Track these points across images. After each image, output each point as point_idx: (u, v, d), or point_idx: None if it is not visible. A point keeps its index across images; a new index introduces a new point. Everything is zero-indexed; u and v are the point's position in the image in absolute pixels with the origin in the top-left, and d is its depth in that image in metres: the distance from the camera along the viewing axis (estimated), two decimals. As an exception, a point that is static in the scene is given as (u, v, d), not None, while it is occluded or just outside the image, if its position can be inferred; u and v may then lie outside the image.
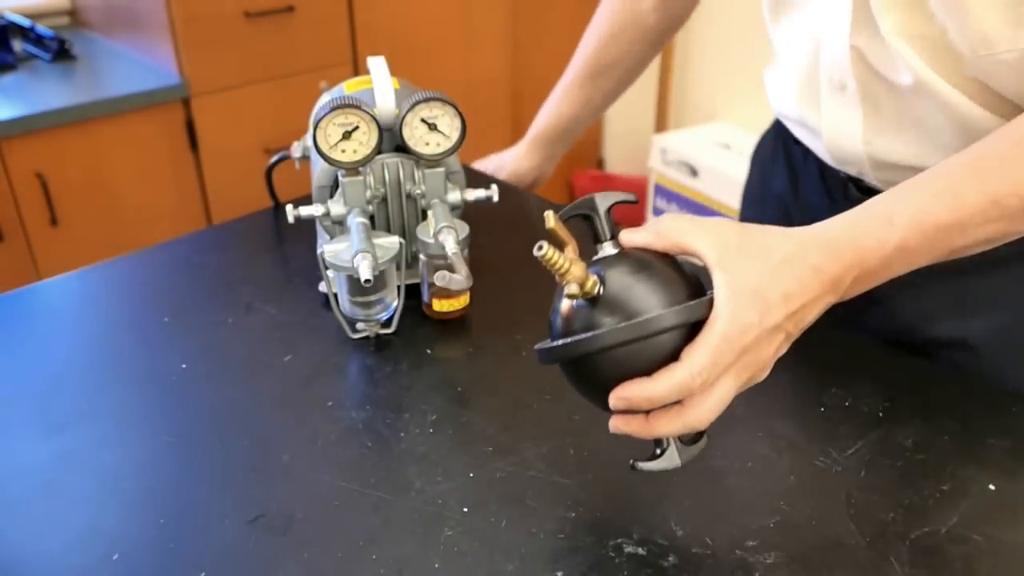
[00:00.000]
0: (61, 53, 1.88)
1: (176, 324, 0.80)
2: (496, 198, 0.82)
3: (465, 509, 0.59)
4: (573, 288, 0.50)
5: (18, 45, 1.90)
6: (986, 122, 0.65)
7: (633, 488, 0.61)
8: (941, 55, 0.63)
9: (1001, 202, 0.53)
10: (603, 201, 0.54)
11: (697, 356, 0.48)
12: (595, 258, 0.54)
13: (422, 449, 0.65)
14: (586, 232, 0.55)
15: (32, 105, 1.66)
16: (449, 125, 0.77)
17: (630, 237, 0.53)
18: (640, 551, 0.56)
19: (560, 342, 0.52)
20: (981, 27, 0.59)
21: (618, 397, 0.50)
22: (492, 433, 0.66)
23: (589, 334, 0.50)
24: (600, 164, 2.94)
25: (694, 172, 2.44)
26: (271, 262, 0.91)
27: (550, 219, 0.52)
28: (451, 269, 0.70)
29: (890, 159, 0.73)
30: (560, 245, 0.51)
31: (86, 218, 1.78)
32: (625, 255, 0.53)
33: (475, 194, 0.81)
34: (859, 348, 0.76)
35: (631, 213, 2.73)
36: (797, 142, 0.86)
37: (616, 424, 0.53)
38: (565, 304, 0.53)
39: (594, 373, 0.52)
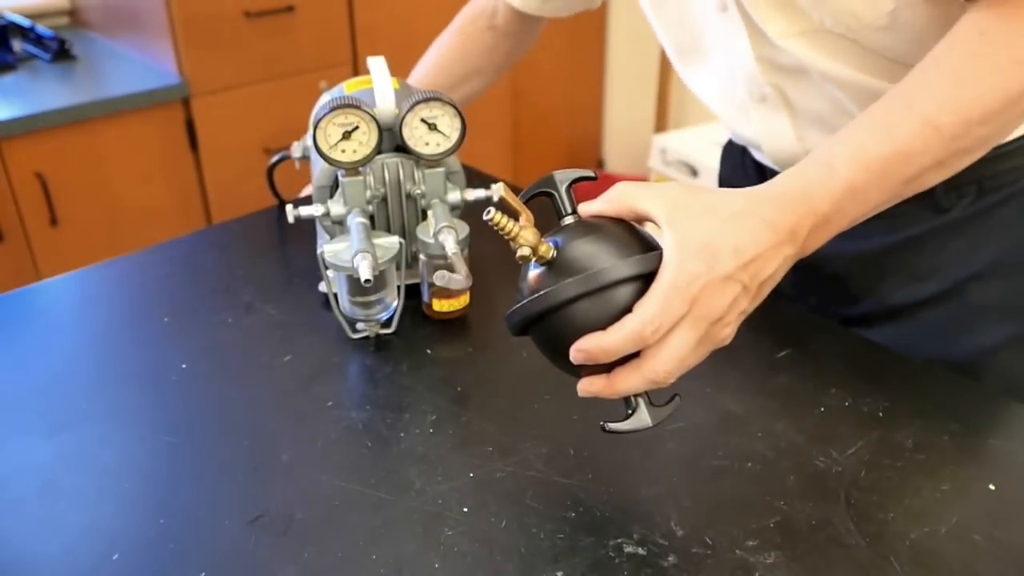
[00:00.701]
0: (61, 53, 1.88)
1: (176, 324, 0.80)
2: (496, 198, 0.82)
3: (465, 509, 0.59)
4: (525, 251, 0.52)
5: (18, 45, 1.90)
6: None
7: (633, 488, 0.61)
8: (828, 43, 0.68)
9: (934, 122, 0.54)
10: (562, 178, 0.57)
11: (647, 305, 0.50)
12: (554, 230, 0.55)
13: (422, 449, 0.65)
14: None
15: (32, 105, 1.66)
16: (449, 125, 0.77)
17: (586, 207, 0.56)
18: (640, 551, 0.56)
19: (518, 305, 0.53)
20: (847, 7, 0.64)
21: (576, 349, 0.51)
22: (492, 433, 0.66)
23: (543, 291, 0.51)
24: (600, 164, 2.94)
25: (694, 172, 2.45)
26: (271, 262, 0.91)
27: (500, 189, 0.54)
28: (451, 269, 0.70)
29: None
30: (513, 215, 0.53)
31: (86, 218, 1.78)
32: (581, 222, 0.55)
33: (475, 194, 0.81)
34: (859, 348, 0.76)
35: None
36: None
37: (582, 386, 0.54)
38: (527, 273, 0.55)
39: (556, 335, 0.53)
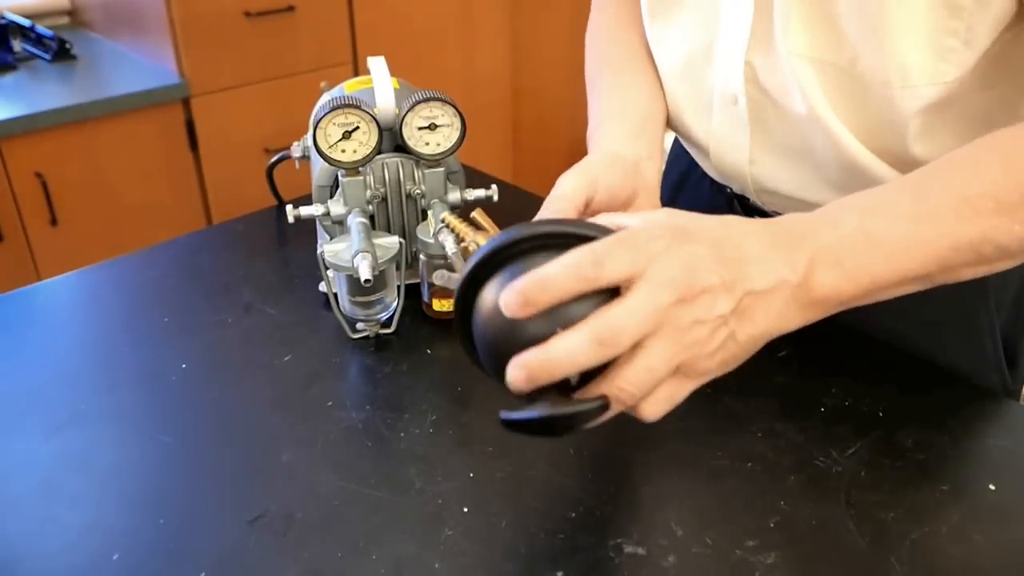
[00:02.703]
0: (61, 53, 1.88)
1: (176, 324, 0.80)
2: (496, 198, 0.82)
3: (465, 509, 0.59)
4: (472, 246, 0.51)
5: (18, 45, 1.90)
6: (872, 166, 0.62)
7: (633, 488, 0.61)
8: (843, 85, 0.59)
9: (973, 203, 0.47)
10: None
11: (595, 244, 0.42)
12: None
13: (422, 449, 0.65)
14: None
15: (32, 105, 1.65)
16: (449, 125, 0.77)
17: None
18: (640, 551, 0.56)
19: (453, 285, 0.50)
20: (898, 57, 0.55)
21: (516, 366, 0.40)
22: (492, 433, 0.66)
23: (474, 257, 0.45)
24: (600, 164, 2.93)
25: (694, 172, 2.44)
26: (271, 262, 0.91)
27: (477, 214, 0.54)
28: (451, 269, 0.70)
29: (773, 185, 0.70)
30: (480, 229, 0.53)
31: (86, 218, 1.78)
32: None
33: (475, 194, 0.81)
34: (859, 348, 0.76)
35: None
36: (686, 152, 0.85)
37: (513, 370, 0.41)
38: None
39: (488, 310, 0.44)
